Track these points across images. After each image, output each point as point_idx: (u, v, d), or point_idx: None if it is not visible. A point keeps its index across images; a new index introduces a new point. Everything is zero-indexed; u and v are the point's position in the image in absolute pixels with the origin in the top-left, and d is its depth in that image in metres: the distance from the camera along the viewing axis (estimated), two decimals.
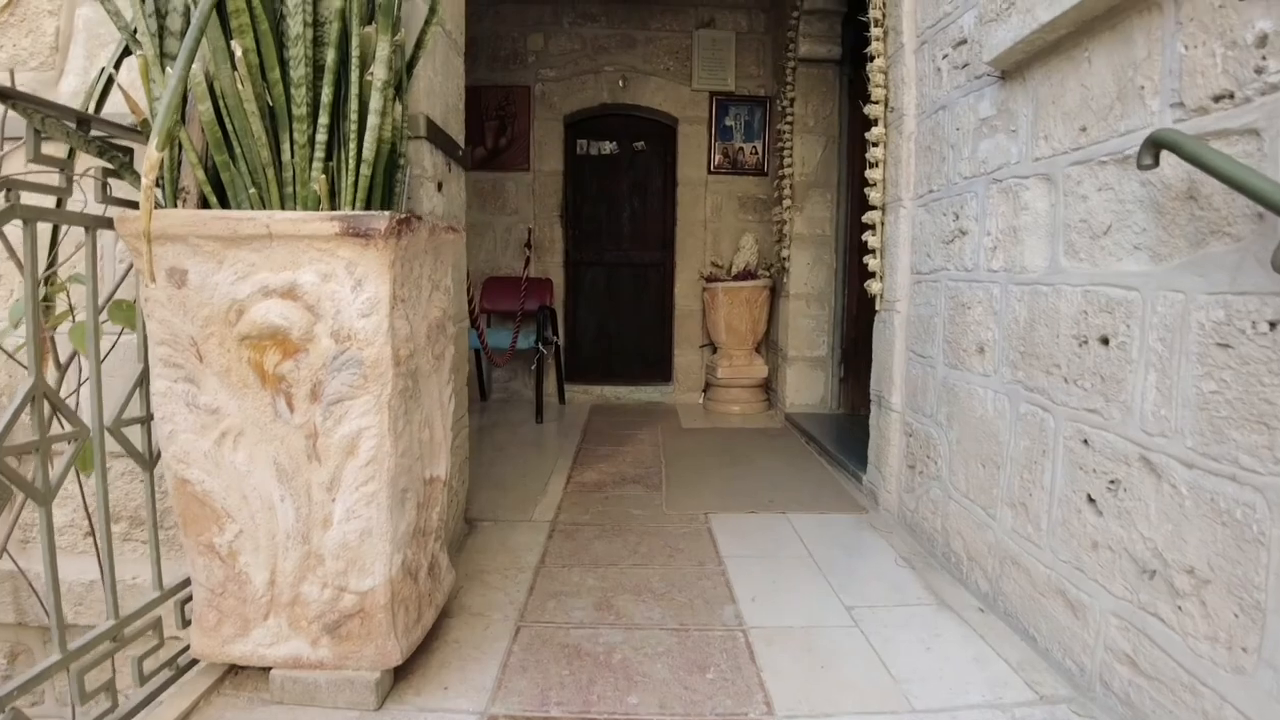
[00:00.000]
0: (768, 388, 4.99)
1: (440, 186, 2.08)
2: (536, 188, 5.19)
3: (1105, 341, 1.56)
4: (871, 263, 2.89)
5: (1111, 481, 1.54)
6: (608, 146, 5.36)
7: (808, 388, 4.54)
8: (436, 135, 2.01)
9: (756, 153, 5.18)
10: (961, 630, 1.94)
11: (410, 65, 1.56)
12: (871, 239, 2.89)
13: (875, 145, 2.86)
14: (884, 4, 2.84)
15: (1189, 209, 1.32)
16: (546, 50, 5.12)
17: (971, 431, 2.17)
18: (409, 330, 1.47)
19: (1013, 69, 1.94)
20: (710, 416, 4.83)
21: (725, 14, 5.13)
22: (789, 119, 4.43)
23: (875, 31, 2.85)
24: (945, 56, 2.37)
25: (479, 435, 4.19)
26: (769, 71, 5.14)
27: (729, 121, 5.17)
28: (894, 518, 2.76)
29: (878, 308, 2.92)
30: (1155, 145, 1.27)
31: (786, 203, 4.47)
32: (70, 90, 1.84)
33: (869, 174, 2.89)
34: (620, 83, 5.12)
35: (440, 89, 2.08)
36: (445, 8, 2.12)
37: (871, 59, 2.87)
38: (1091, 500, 1.61)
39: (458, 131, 2.32)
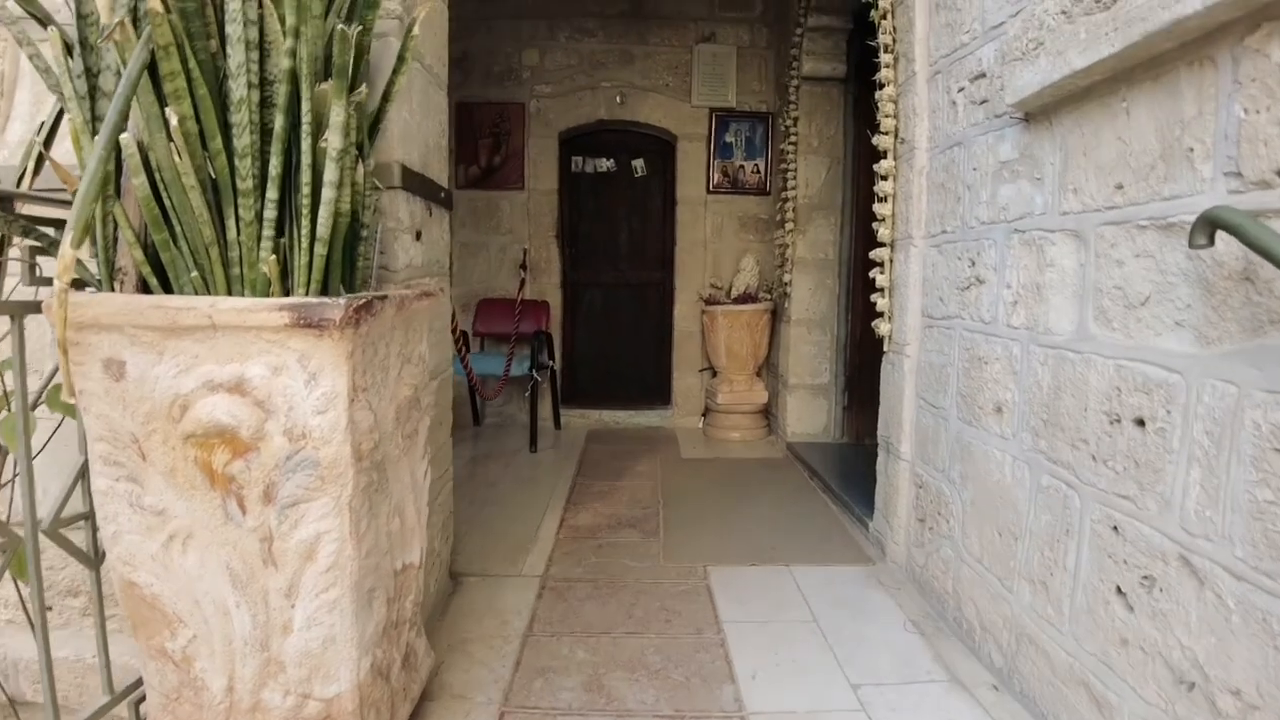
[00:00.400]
0: (768, 413, 4.85)
1: (419, 235, 1.94)
2: (532, 207, 5.05)
3: (1141, 424, 1.42)
4: (880, 302, 2.75)
5: (1145, 577, 1.40)
6: (605, 164, 5.22)
7: (810, 416, 4.40)
8: (414, 182, 1.87)
9: (758, 171, 5.04)
10: (975, 713, 1.80)
11: (377, 120, 1.42)
12: (880, 276, 2.75)
13: (885, 179, 2.72)
14: (894, 29, 2.70)
15: (1244, 291, 1.18)
16: (542, 66, 4.98)
17: (987, 495, 2.02)
18: (373, 420, 1.33)
19: (1038, 112, 1.80)
20: (710, 444, 4.68)
21: (726, 28, 4.99)
22: (792, 139, 4.29)
23: (885, 58, 2.71)
24: (961, 90, 2.23)
25: (471, 466, 4.04)
26: (771, 87, 4.99)
27: (729, 138, 5.03)
28: (902, 571, 2.62)
29: (886, 348, 2.77)
30: (1211, 225, 1.13)
31: (789, 225, 4.33)
32: (17, 139, 1.70)
33: (877, 208, 2.75)
34: (618, 99, 4.98)
35: (419, 130, 1.94)
36: (424, 42, 1.98)
37: (881, 86, 2.73)
38: (1121, 593, 1.47)
39: (439, 172, 2.18)
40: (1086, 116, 1.61)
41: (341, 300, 1.15)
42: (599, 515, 3.26)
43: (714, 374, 4.98)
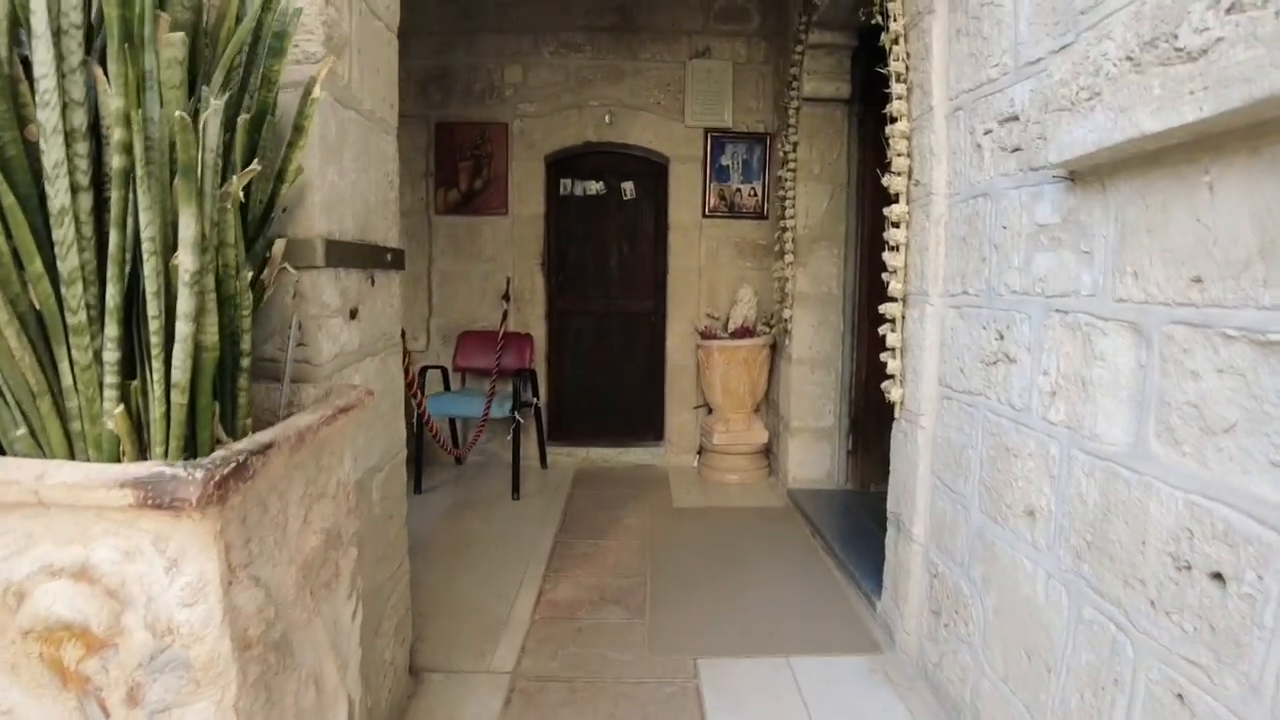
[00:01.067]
0: (769, 452, 4.56)
1: (354, 313, 1.65)
2: (516, 233, 4.76)
3: (1219, 580, 1.14)
4: (890, 363, 2.46)
5: None
6: (594, 187, 4.93)
7: (812, 461, 4.11)
8: (346, 253, 1.58)
9: (755, 194, 4.75)
10: None
11: (268, 209, 1.13)
12: (890, 335, 2.46)
13: (896, 225, 2.43)
14: (907, 54, 2.41)
15: None
16: (525, 83, 4.69)
17: (1014, 608, 1.74)
18: (263, 597, 1.04)
19: (1088, 172, 1.51)
20: (705, 487, 4.39)
21: (722, 43, 4.70)
22: (791, 164, 4.00)
23: (897, 88, 2.42)
24: (989, 132, 1.94)
25: (448, 520, 3.76)
26: (770, 106, 4.71)
27: (725, 160, 4.74)
28: (913, 665, 2.33)
29: (897, 414, 2.49)
30: None
31: (789, 257, 4.04)
32: None
33: (888, 258, 2.47)
34: (606, 118, 4.69)
35: (354, 190, 1.65)
36: (361, 85, 1.69)
37: (892, 120, 2.44)
38: None
39: (386, 229, 1.89)
40: (1152, 186, 1.32)
41: (199, 472, 0.87)
42: (580, 586, 2.97)
43: (709, 411, 4.69)
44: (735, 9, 4.70)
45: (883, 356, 2.52)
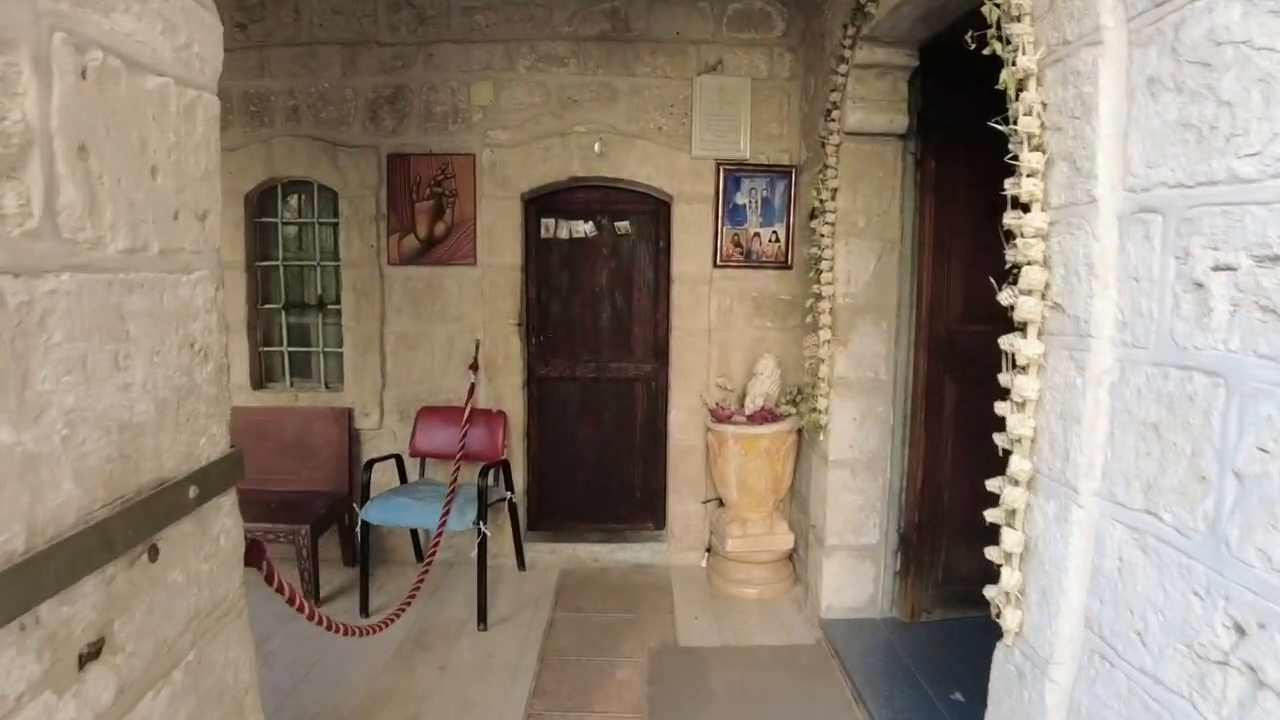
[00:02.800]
0: (794, 556, 3.74)
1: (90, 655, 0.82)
2: (486, 287, 3.93)
3: None
4: (1005, 573, 1.64)
5: None
6: (581, 228, 4.09)
7: (852, 585, 3.29)
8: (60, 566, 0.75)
9: (778, 240, 3.92)
10: None
11: None
12: (1007, 534, 1.64)
13: (1020, 370, 1.61)
14: (1043, 107, 1.59)
15: None
16: (497, 104, 3.85)
17: None
18: None
19: None
20: (718, 607, 3.58)
21: (738, 54, 3.86)
22: (829, 216, 3.16)
23: (1027, 157, 1.60)
24: (1227, 269, 1.11)
25: (394, 668, 2.95)
26: (796, 132, 3.87)
27: (741, 199, 3.90)
28: None
29: (1008, 642, 1.67)
30: None
31: (824, 333, 3.21)
32: None
33: (1011, 421, 1.65)
34: (596, 148, 3.85)
35: (96, 419, 0.82)
36: (108, 205, 0.86)
37: (1020, 207, 1.63)
38: None
39: (196, 438, 1.06)
40: None
41: None
42: None
43: (720, 504, 3.87)
44: (754, 13, 3.85)
45: (989, 553, 1.70)
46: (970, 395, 3.17)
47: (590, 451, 4.24)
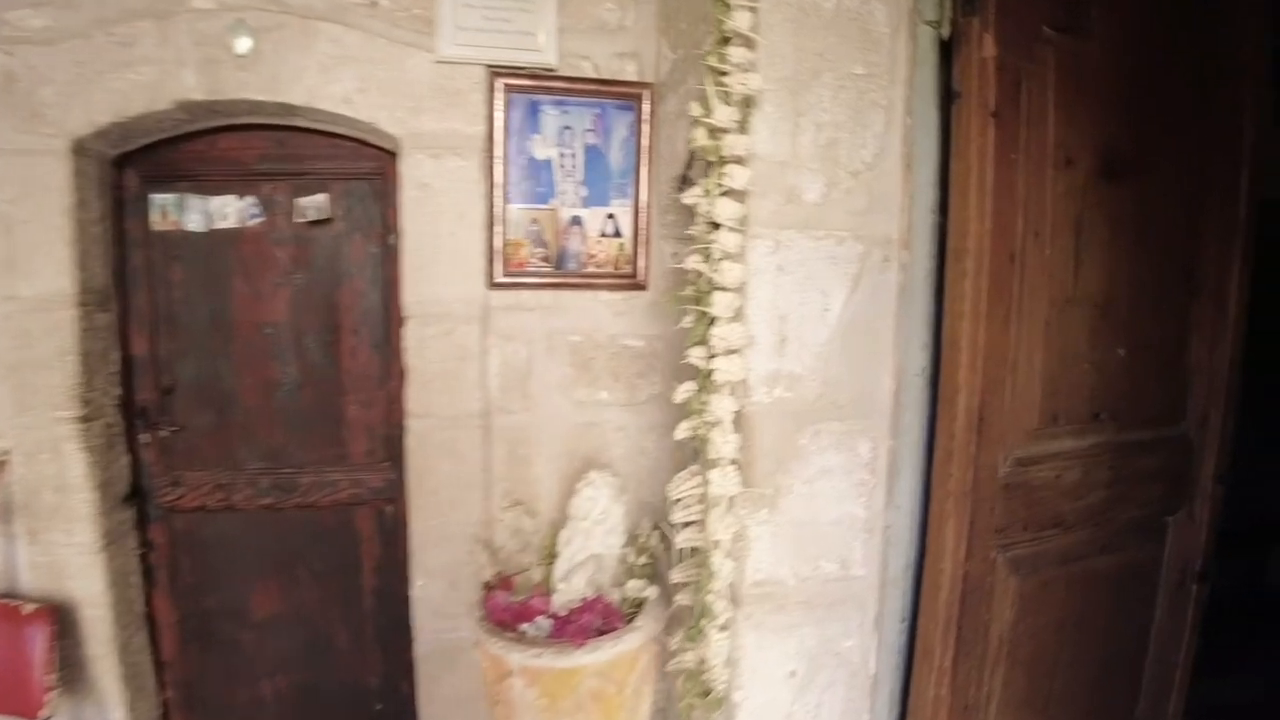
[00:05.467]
0: None
1: None
2: (8, 344, 1.86)
3: None
4: None
5: None
6: (233, 211, 2.05)
7: None
8: None
9: (618, 231, 1.98)
10: None
11: None
12: None
13: None
14: None
15: None
16: None
17: None
18: None
19: None
20: None
21: None
22: (731, 174, 1.24)
23: None
24: None
25: None
26: (652, 13, 1.95)
27: (544, 148, 1.96)
28: None
29: None
30: None
31: (722, 473, 1.27)
32: None
33: None
34: (238, 43, 1.83)
35: None
36: None
37: None
38: None
39: None
40: None
41: None
42: None
43: None
44: None
45: None
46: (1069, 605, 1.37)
47: (282, 641, 2.22)
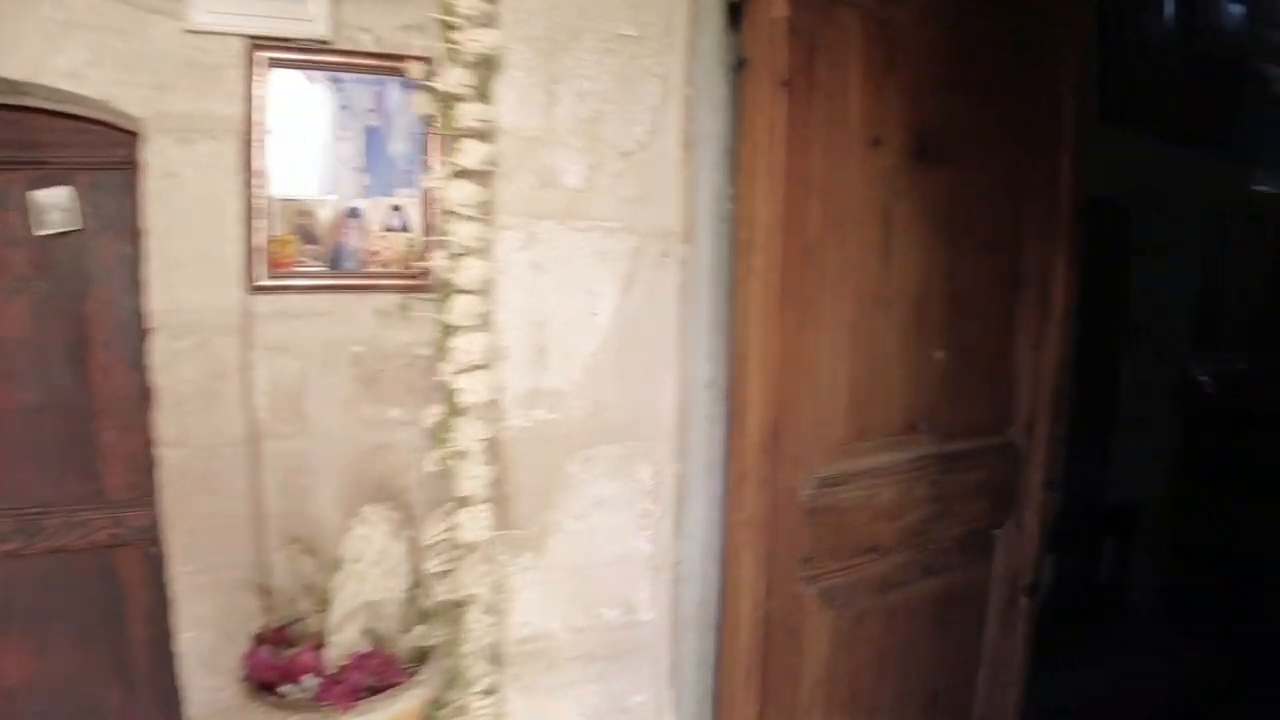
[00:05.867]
0: None
1: None
2: None
3: None
4: None
5: None
6: None
7: None
8: None
9: (404, 223, 1.74)
10: None
11: None
12: None
13: None
14: None
15: None
16: None
17: None
18: None
19: None
20: None
21: None
22: (472, 150, 1.04)
23: None
24: None
25: None
26: None
27: (312, 132, 1.69)
28: None
29: None
30: None
31: (472, 514, 1.06)
32: None
33: None
34: None
35: None
36: None
37: None
38: None
39: None
40: None
41: None
42: None
43: None
44: None
45: None
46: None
47: (40, 712, 1.88)
